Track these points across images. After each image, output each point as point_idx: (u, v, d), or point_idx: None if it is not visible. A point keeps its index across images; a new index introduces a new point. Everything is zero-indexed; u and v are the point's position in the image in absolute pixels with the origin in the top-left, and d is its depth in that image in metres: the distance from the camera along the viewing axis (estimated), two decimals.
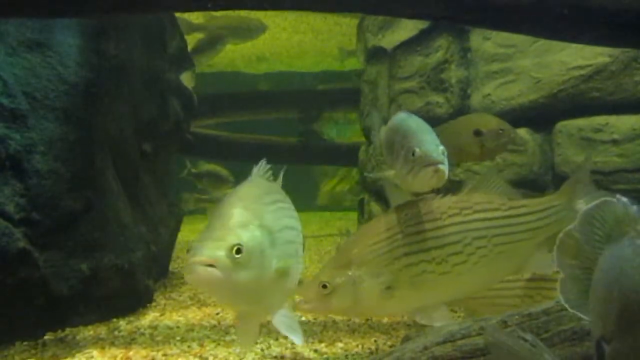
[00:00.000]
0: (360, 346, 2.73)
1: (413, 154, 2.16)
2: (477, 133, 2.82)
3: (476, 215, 2.21)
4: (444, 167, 2.12)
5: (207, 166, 8.51)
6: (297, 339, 2.05)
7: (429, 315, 2.18)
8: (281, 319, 2.06)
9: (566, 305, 1.10)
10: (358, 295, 2.16)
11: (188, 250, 1.79)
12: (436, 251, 2.17)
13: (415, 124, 2.34)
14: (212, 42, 7.42)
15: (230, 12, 7.58)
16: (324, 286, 2.16)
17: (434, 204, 2.24)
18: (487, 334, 1.28)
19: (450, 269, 2.16)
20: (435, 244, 2.17)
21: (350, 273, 2.17)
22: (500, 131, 2.85)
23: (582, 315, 1.08)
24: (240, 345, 2.62)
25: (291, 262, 2.02)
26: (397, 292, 2.16)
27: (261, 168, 2.22)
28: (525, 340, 1.18)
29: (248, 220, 1.90)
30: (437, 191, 2.28)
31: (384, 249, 2.19)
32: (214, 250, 1.76)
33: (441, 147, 2.18)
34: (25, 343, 2.81)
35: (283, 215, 2.12)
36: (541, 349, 1.16)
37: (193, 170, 8.47)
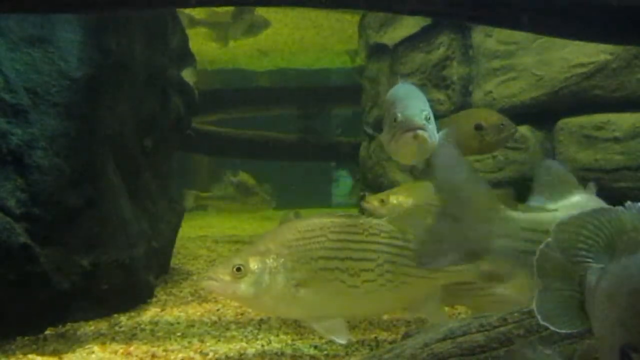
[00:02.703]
0: (360, 342, 2.73)
1: (395, 120, 2.11)
2: (478, 127, 2.82)
3: (391, 241, 2.26)
4: (425, 133, 2.07)
5: (241, 176, 8.37)
6: None
7: (326, 327, 2.19)
8: None
9: (538, 316, 1.07)
10: (269, 286, 2.14)
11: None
12: (351, 262, 2.20)
13: (404, 91, 2.31)
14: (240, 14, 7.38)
15: (230, 8, 7.58)
16: (238, 269, 2.14)
17: (360, 220, 2.31)
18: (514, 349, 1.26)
19: (359, 283, 2.20)
20: (351, 256, 2.22)
21: (267, 261, 2.16)
22: (501, 126, 2.85)
23: (552, 327, 1.06)
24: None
25: None
26: (306, 292, 2.17)
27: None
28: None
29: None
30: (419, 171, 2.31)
31: (305, 247, 2.20)
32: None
33: (425, 112, 2.12)
34: (26, 338, 2.81)
35: None
36: None
37: (232, 179, 8.31)
